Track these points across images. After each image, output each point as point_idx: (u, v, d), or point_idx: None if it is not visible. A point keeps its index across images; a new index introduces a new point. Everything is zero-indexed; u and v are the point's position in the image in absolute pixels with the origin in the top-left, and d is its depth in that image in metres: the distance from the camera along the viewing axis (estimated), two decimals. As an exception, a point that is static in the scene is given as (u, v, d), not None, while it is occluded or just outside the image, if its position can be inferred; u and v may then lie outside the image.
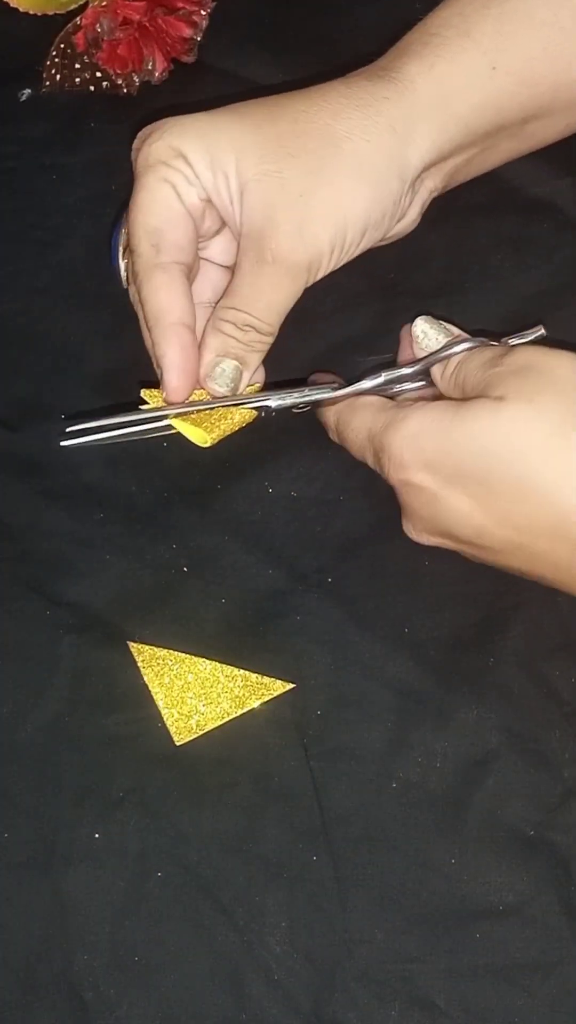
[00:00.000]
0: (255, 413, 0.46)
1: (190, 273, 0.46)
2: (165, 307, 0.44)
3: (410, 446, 0.42)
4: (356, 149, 0.44)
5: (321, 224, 0.43)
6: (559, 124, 0.51)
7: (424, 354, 0.45)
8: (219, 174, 0.44)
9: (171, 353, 0.44)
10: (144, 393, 0.45)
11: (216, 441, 0.45)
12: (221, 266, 0.49)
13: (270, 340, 0.46)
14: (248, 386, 0.46)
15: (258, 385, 0.47)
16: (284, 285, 0.44)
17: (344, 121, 0.44)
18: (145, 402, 0.45)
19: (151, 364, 0.45)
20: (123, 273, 0.47)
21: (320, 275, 0.45)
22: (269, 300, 0.44)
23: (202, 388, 0.45)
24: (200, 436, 0.45)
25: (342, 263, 0.46)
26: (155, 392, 0.45)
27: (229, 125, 0.44)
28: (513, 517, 0.40)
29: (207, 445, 0.45)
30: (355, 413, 0.46)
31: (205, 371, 0.45)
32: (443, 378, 0.45)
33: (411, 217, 0.48)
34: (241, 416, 0.45)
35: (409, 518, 0.44)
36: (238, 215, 0.44)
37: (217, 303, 0.46)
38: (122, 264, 0.47)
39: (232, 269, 0.46)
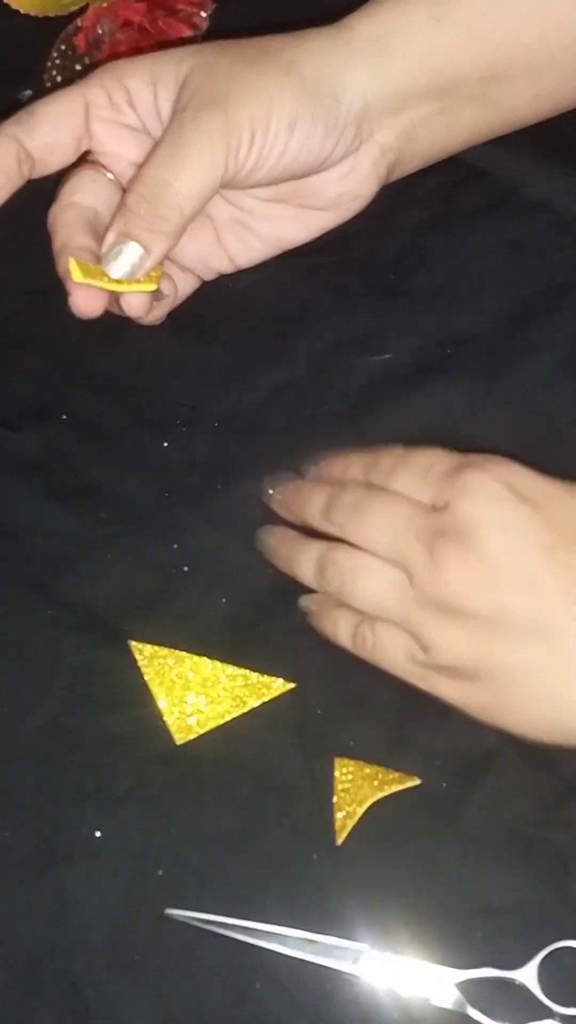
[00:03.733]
0: (154, 288, 0.45)
1: None
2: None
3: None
4: (288, 55, 0.46)
5: (240, 101, 0.44)
6: (525, 92, 0.50)
7: None
8: (159, 85, 0.45)
9: None
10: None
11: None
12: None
13: (179, 221, 0.44)
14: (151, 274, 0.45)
15: (162, 270, 0.46)
16: (203, 148, 0.43)
17: (279, 41, 0.46)
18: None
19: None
20: None
21: (240, 156, 0.44)
22: (187, 159, 0.43)
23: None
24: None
25: (270, 157, 0.45)
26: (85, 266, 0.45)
27: (175, 53, 0.46)
28: None
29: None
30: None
31: (104, 249, 0.44)
32: None
33: (363, 171, 0.48)
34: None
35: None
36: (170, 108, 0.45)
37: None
38: None
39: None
